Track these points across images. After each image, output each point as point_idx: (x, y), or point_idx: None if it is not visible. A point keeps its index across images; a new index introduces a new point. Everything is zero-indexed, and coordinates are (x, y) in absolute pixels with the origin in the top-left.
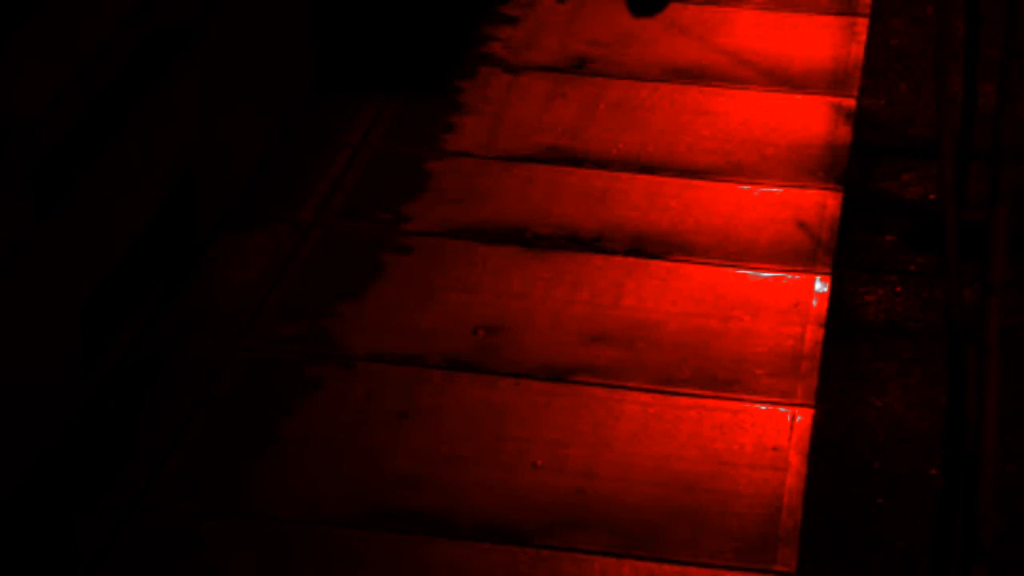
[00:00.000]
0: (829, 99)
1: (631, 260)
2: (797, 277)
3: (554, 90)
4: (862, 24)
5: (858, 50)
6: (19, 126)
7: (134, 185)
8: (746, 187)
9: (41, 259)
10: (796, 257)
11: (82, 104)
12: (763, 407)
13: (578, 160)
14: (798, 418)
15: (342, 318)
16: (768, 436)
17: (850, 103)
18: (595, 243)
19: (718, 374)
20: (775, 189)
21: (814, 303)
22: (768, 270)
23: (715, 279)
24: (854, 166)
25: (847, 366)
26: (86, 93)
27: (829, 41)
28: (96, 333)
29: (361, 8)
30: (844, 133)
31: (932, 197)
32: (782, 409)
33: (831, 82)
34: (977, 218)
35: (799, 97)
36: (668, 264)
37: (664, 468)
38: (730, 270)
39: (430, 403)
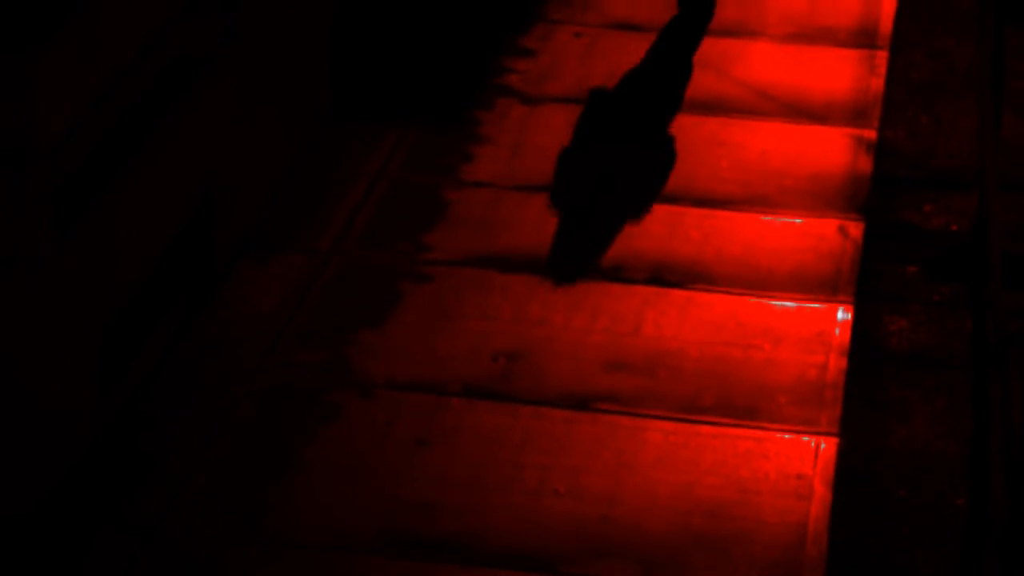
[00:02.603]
0: (849, 131)
1: (652, 289)
2: (819, 306)
3: (573, 121)
4: (881, 57)
5: (878, 83)
6: (41, 149)
7: (153, 209)
8: (767, 217)
9: (61, 281)
10: (818, 286)
11: (103, 129)
12: (787, 435)
13: None
14: (822, 446)
15: (361, 345)
16: (792, 464)
17: (871, 135)
18: (615, 271)
19: (740, 402)
20: (796, 219)
21: (837, 332)
22: (790, 299)
23: (736, 308)
24: (875, 197)
25: (871, 395)
26: (107, 118)
27: (848, 74)
28: (116, 356)
29: (379, 38)
30: (865, 164)
31: (955, 228)
32: (806, 437)
33: (851, 114)
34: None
35: (819, 128)
36: (689, 293)
37: (687, 496)
38: (751, 299)
39: (450, 430)
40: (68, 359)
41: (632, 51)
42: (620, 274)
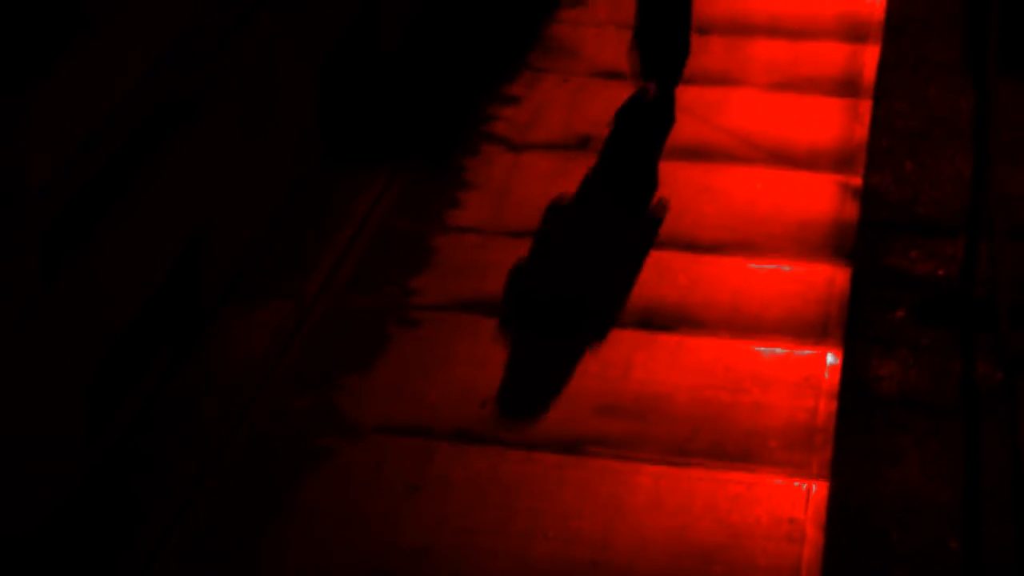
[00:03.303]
0: (835, 177)
1: (640, 333)
2: (808, 351)
3: (558, 168)
4: (865, 105)
5: (862, 130)
6: (29, 192)
7: (141, 252)
8: (754, 263)
9: (48, 323)
10: (806, 331)
11: (91, 171)
12: (778, 479)
13: None
14: (814, 489)
15: (350, 390)
16: (784, 508)
17: (856, 182)
18: (604, 316)
19: (731, 446)
20: (783, 265)
21: (826, 376)
22: (778, 344)
23: (725, 352)
24: (862, 243)
25: (862, 439)
26: (95, 160)
27: (833, 121)
28: (103, 398)
29: (367, 84)
30: (851, 211)
31: (941, 273)
32: (797, 481)
33: (837, 161)
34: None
35: (805, 175)
36: (677, 337)
37: (679, 540)
38: (740, 343)
39: (439, 475)
40: (55, 401)
41: (617, 99)
42: (609, 318)
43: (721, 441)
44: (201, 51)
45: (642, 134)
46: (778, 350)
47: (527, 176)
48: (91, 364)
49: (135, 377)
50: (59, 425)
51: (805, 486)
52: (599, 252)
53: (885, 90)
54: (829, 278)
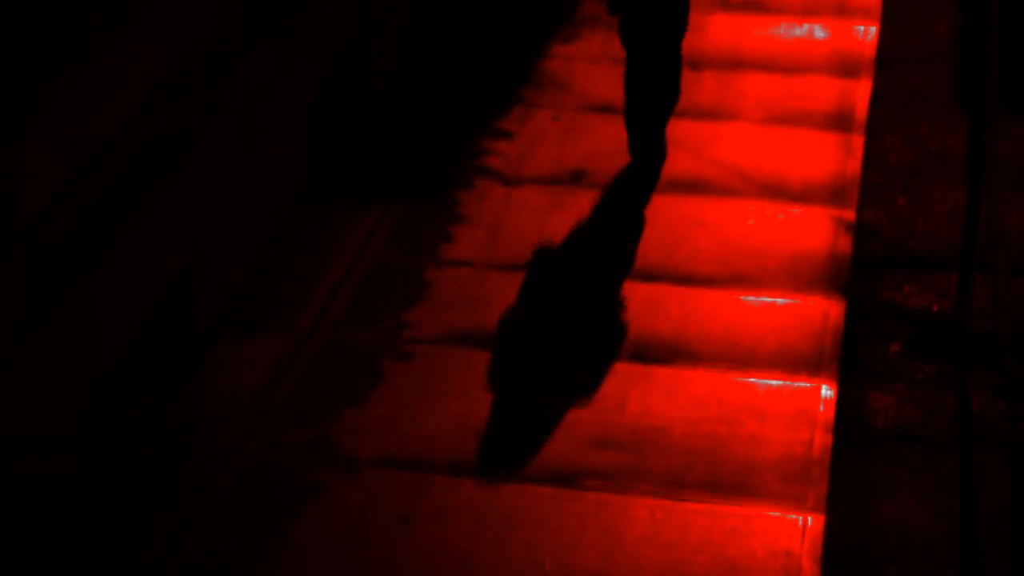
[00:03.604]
0: (829, 211)
1: (635, 366)
2: (803, 384)
3: (552, 202)
4: (858, 141)
5: (855, 165)
6: (23, 224)
7: (134, 285)
8: (748, 296)
9: (41, 354)
10: (801, 365)
11: (84, 204)
12: (774, 513)
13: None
14: (810, 522)
15: (344, 423)
16: (780, 541)
17: (850, 216)
18: (598, 349)
19: (727, 479)
20: (777, 298)
21: (821, 409)
22: (773, 377)
23: (720, 385)
24: (856, 277)
25: (858, 472)
26: (88, 194)
27: (826, 156)
28: (97, 430)
29: (360, 119)
30: (845, 245)
31: (935, 308)
32: (793, 515)
33: (830, 195)
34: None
35: (798, 209)
36: (672, 370)
37: (675, 573)
38: (735, 376)
39: (435, 507)
40: (46, 431)
41: (608, 133)
42: (603, 352)
43: (717, 474)
44: (195, 84)
45: (635, 168)
46: (773, 383)
47: (520, 210)
48: (84, 395)
49: (128, 409)
50: (51, 455)
51: (801, 519)
52: (593, 285)
53: (878, 125)
54: (823, 311)
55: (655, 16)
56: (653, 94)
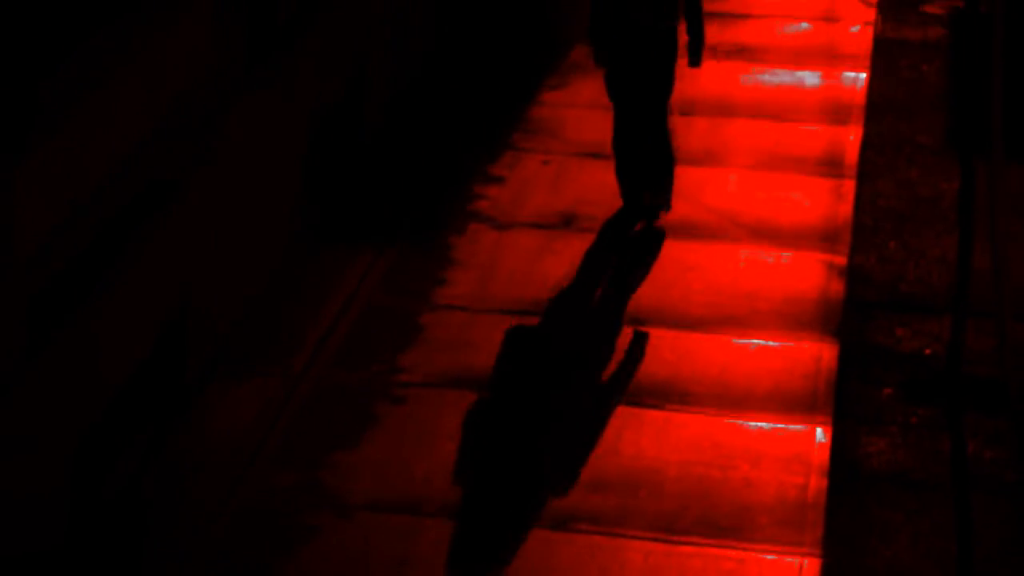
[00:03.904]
0: (820, 256)
1: (628, 409)
2: (797, 427)
3: (543, 245)
4: (848, 185)
5: (846, 209)
6: (16, 263)
7: (126, 327)
8: (741, 339)
9: (33, 395)
10: (795, 408)
11: (78, 244)
12: (770, 556)
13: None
14: (805, 565)
15: (337, 466)
16: None
17: (841, 260)
18: (592, 391)
19: (722, 522)
20: (770, 341)
21: (815, 452)
22: (767, 420)
23: (713, 428)
24: (848, 320)
25: (853, 516)
26: (82, 234)
27: (816, 201)
28: (88, 473)
29: (351, 164)
30: (837, 288)
31: (928, 352)
32: (789, 558)
33: (821, 240)
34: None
35: (790, 253)
36: (665, 413)
37: None
38: (728, 420)
39: (428, 551)
40: (37, 476)
41: (599, 177)
42: (596, 394)
43: (711, 517)
44: (188, 128)
45: (627, 213)
46: (767, 426)
47: (512, 254)
48: (76, 437)
49: (120, 452)
50: (42, 498)
51: (797, 562)
52: (585, 328)
53: (868, 171)
54: (816, 355)
55: (641, 71)
56: (641, 152)
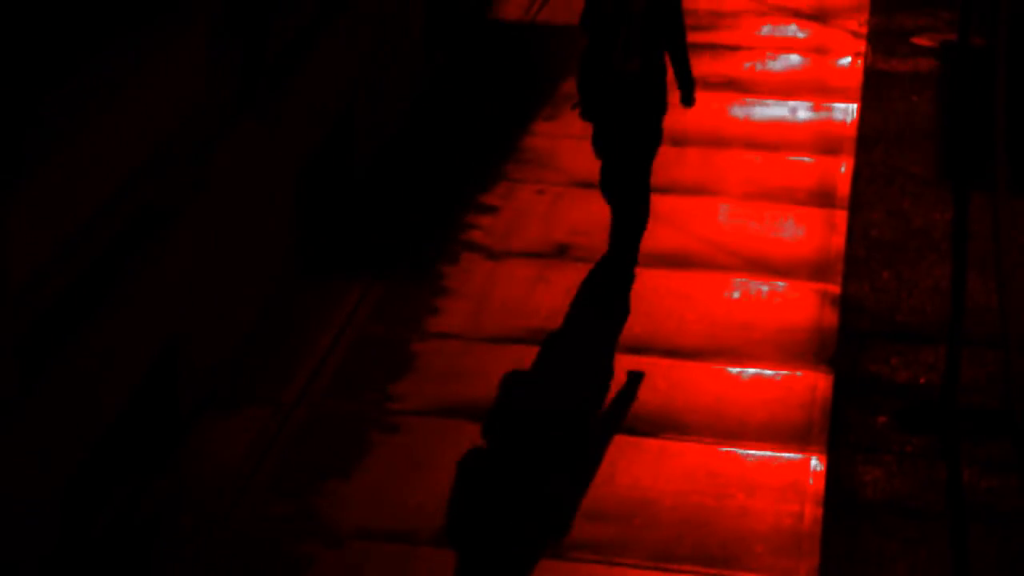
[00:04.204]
0: (813, 285)
1: (623, 438)
2: (792, 456)
3: (537, 275)
4: (841, 216)
5: (839, 240)
6: (8, 294)
7: (118, 358)
8: (735, 368)
9: (24, 428)
10: (790, 437)
11: (69, 276)
12: None
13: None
14: None
15: (330, 495)
16: None
17: (835, 290)
18: (586, 421)
19: (717, 551)
20: (764, 370)
21: (811, 481)
22: (762, 449)
23: (708, 457)
24: (843, 350)
25: (850, 545)
26: (74, 265)
27: (809, 231)
28: (80, 507)
29: (344, 195)
30: (830, 318)
31: (923, 381)
32: None
33: (814, 270)
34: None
35: (783, 283)
36: (660, 442)
37: None
38: (724, 448)
39: None
40: (28, 511)
41: (593, 207)
42: (591, 424)
43: (707, 546)
44: (181, 159)
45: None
46: (762, 455)
47: (506, 283)
48: (68, 470)
49: (112, 485)
50: (33, 531)
51: None
52: (580, 357)
53: (860, 201)
54: (811, 384)
55: (626, 127)
56: (623, 208)
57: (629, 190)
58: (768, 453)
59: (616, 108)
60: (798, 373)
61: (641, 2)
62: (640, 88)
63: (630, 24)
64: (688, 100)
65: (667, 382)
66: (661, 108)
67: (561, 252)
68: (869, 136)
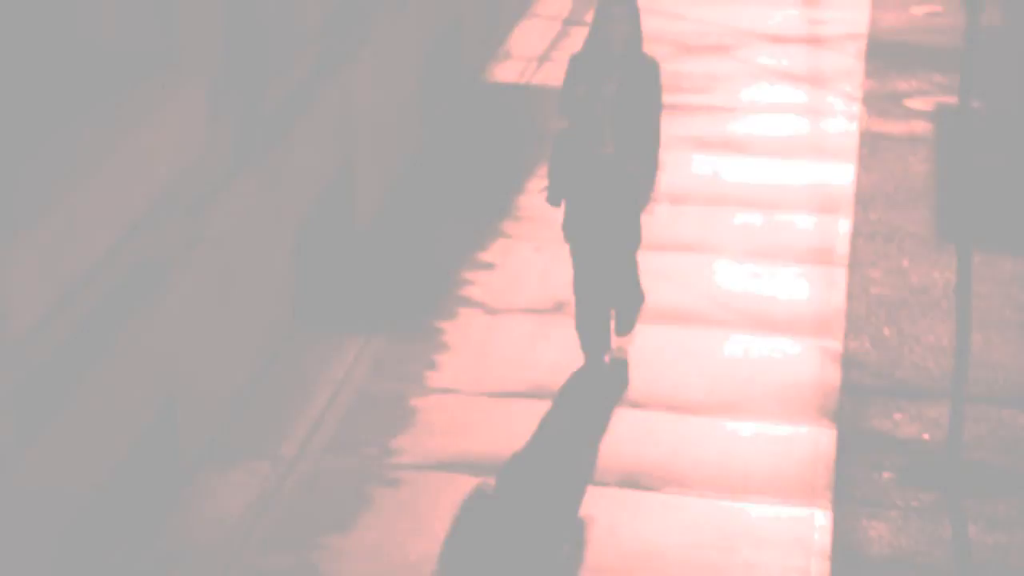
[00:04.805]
0: (815, 342)
1: (626, 492)
2: (797, 511)
3: (536, 331)
4: (840, 273)
5: (839, 297)
6: (7, 345)
7: (115, 413)
8: (737, 423)
9: (21, 483)
10: (794, 491)
11: (70, 327)
12: None
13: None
14: None
15: (329, 550)
16: None
17: (836, 346)
18: (588, 476)
19: None
20: (768, 425)
21: (816, 536)
22: (767, 503)
23: (713, 511)
24: (845, 405)
25: None
26: (74, 316)
27: (809, 288)
28: (76, 563)
29: (341, 251)
30: (832, 374)
31: (926, 436)
32: None
33: (815, 326)
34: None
35: (784, 339)
36: (664, 496)
37: None
38: (728, 503)
39: None
40: (24, 565)
41: None
42: (594, 479)
43: None
44: (178, 213)
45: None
46: (767, 509)
47: (505, 339)
48: (66, 522)
49: (110, 540)
50: None
51: None
52: (581, 412)
53: (859, 259)
54: (814, 439)
55: (603, 214)
56: (605, 302)
57: (611, 290)
58: (773, 508)
59: (591, 193)
60: (801, 428)
61: (613, 85)
62: (615, 172)
63: (603, 107)
64: (643, 196)
65: (670, 437)
66: (641, 198)
67: (559, 308)
68: (866, 196)
